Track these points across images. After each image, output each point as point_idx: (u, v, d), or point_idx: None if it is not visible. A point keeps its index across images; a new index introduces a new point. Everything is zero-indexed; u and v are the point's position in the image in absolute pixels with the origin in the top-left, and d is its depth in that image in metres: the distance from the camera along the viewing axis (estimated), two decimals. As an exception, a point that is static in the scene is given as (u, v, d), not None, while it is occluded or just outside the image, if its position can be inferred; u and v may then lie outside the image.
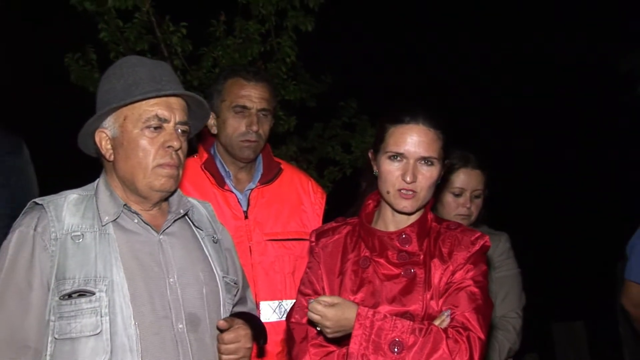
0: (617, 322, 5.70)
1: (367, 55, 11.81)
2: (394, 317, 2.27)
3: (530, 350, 6.60)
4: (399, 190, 2.41)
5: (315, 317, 2.29)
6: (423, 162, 2.40)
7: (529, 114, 13.32)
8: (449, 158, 2.54)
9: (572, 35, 12.06)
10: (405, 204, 2.41)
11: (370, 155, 2.55)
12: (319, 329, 2.33)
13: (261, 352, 2.81)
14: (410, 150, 2.40)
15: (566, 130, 13.11)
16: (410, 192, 2.40)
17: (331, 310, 2.27)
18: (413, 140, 2.40)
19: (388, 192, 2.44)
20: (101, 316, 2.10)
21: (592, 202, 12.78)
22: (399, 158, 2.41)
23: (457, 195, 3.30)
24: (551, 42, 12.50)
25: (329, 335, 2.31)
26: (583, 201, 12.90)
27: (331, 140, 8.08)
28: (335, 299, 2.31)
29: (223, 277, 2.39)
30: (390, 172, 2.42)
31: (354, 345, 2.24)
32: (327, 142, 8.05)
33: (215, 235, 2.47)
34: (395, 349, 2.21)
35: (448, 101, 11.73)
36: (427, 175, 2.41)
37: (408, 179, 2.38)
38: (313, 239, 2.59)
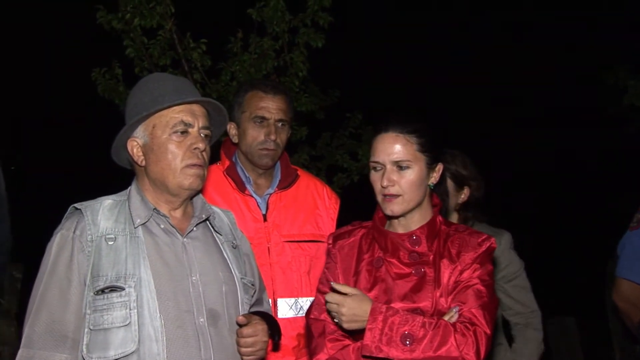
0: (607, 318, 5.69)
1: (372, 70, 11.83)
2: (406, 312, 2.28)
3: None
4: (383, 196, 2.42)
5: (332, 306, 2.30)
6: (396, 166, 2.40)
7: (528, 116, 13.24)
8: (437, 157, 2.50)
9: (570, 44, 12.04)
10: (392, 208, 2.41)
11: None
12: (336, 320, 2.34)
13: (277, 346, 2.82)
14: (382, 157, 2.41)
15: (556, 129, 13.03)
16: (390, 196, 2.40)
17: (348, 300, 2.28)
18: (384, 148, 2.41)
19: (378, 200, 2.46)
20: (130, 309, 2.16)
21: (585, 203, 12.70)
22: (378, 167, 2.43)
23: None
24: (550, 45, 12.47)
25: (344, 325, 2.31)
26: (576, 202, 12.83)
27: (339, 149, 8.11)
28: (354, 290, 2.33)
29: (241, 278, 2.43)
30: (375, 181, 2.45)
31: (368, 338, 2.24)
32: (335, 151, 8.09)
33: (234, 242, 2.52)
34: (407, 342, 2.22)
35: (448, 105, 11.75)
36: (405, 178, 2.40)
37: (384, 183, 2.39)
38: (330, 241, 2.59)
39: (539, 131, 13.10)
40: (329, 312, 2.36)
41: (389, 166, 2.40)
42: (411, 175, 2.40)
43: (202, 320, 2.25)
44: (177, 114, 2.30)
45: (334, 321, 2.36)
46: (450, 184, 3.32)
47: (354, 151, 8.06)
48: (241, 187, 3.18)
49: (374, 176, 2.45)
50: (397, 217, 2.47)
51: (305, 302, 3.09)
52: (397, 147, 2.40)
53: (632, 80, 8.96)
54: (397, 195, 2.40)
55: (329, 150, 8.16)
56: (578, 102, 12.17)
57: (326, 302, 2.34)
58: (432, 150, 2.45)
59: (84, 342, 2.15)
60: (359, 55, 11.38)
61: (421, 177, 2.42)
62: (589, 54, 11.02)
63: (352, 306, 2.28)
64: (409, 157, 2.40)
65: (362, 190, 2.87)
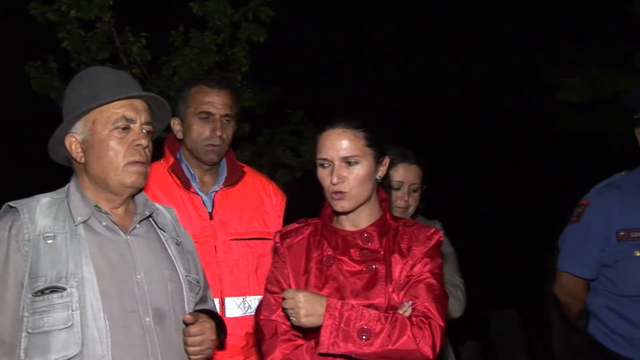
0: (547, 310, 5.85)
1: (314, 66, 11.83)
2: (361, 307, 2.26)
3: (469, 337, 6.71)
4: (332, 193, 2.40)
5: (289, 302, 2.26)
6: (345, 162, 2.38)
7: (464, 110, 13.44)
8: (387, 153, 2.51)
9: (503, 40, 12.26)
10: (341, 204, 2.39)
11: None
12: (292, 318, 2.29)
13: (223, 345, 2.79)
14: (330, 154, 2.39)
15: (496, 126, 13.26)
16: (340, 193, 2.38)
17: (304, 294, 2.26)
18: (332, 144, 2.38)
19: (327, 197, 2.44)
20: (72, 310, 2.09)
21: (524, 198, 12.97)
22: (326, 164, 2.40)
23: (396, 189, 3.29)
24: (486, 44, 12.68)
25: (302, 320, 2.25)
26: (516, 198, 13.09)
27: (280, 145, 8.09)
28: (304, 291, 2.31)
29: (186, 275, 2.39)
30: (323, 178, 2.42)
31: (324, 335, 2.22)
32: (276, 147, 8.06)
33: (178, 238, 2.47)
34: (364, 336, 2.20)
35: (390, 102, 11.84)
36: (354, 173, 2.38)
37: (334, 180, 2.37)
38: (277, 239, 2.55)
39: (474, 127, 13.33)
40: (284, 310, 2.32)
41: (337, 162, 2.38)
42: (360, 170, 2.39)
43: (148, 319, 2.20)
44: (118, 109, 2.23)
45: (291, 319, 2.31)
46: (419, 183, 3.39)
47: (295, 147, 8.05)
48: (186, 184, 3.12)
49: (322, 173, 2.42)
50: (346, 213, 2.45)
51: (253, 301, 3.05)
52: (345, 143, 2.37)
53: (567, 77, 9.20)
54: (345, 192, 2.38)
55: (270, 146, 8.13)
56: (512, 99, 12.44)
57: (283, 299, 2.30)
58: (379, 144, 2.45)
59: (22, 347, 2.07)
60: (300, 50, 11.35)
61: (370, 171, 2.41)
62: (523, 51, 11.27)
63: (309, 300, 2.25)
64: (358, 152, 2.38)
65: (304, 186, 2.84)
